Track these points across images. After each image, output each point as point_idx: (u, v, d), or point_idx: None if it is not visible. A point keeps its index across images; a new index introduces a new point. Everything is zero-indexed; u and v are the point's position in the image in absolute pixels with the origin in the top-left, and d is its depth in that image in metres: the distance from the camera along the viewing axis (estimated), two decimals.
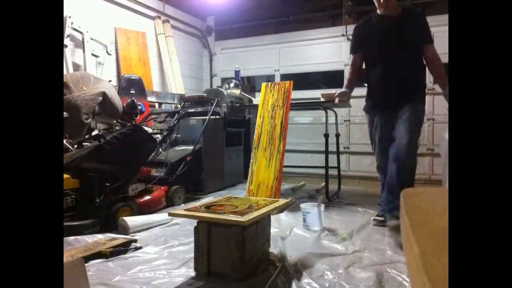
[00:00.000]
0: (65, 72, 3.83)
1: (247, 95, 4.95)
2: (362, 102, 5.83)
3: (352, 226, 2.69)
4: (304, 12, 6.06)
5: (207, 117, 3.78)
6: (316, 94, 4.87)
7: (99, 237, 2.34)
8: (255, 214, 1.79)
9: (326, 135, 3.62)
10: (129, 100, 3.54)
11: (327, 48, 5.82)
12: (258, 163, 3.37)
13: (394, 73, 2.61)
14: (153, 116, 3.95)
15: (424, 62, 2.67)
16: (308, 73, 6.04)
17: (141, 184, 3.12)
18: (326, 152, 3.63)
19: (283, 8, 6.16)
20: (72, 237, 2.26)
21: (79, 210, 2.46)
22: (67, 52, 3.98)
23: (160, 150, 3.58)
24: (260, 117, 3.62)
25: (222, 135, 4.44)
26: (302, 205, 2.71)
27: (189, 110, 4.09)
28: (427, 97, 5.06)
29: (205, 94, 4.50)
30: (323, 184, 3.93)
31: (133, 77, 4.45)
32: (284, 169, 3.53)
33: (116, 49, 4.72)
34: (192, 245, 1.88)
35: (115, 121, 3.35)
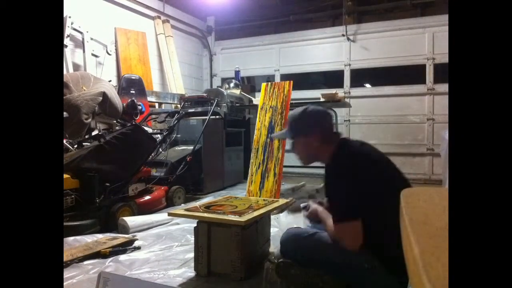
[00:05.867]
0: (65, 72, 3.83)
1: (247, 95, 4.96)
2: (362, 102, 5.81)
3: None
4: (304, 12, 6.06)
5: (207, 117, 3.78)
6: (316, 94, 4.87)
7: (99, 237, 2.33)
8: (255, 214, 1.79)
9: None
10: (129, 100, 3.54)
11: (327, 48, 5.82)
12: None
13: None
14: (153, 116, 3.95)
15: None
16: (308, 73, 6.04)
17: (141, 184, 3.12)
18: None
19: (283, 8, 6.16)
20: (71, 238, 2.26)
21: (79, 210, 2.46)
22: (67, 52, 3.98)
23: (160, 150, 3.58)
24: (259, 121, 3.63)
25: (222, 135, 4.43)
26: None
27: (189, 110, 4.09)
28: (427, 97, 5.16)
29: (205, 94, 4.50)
30: (323, 184, 3.92)
31: (133, 77, 4.45)
32: (284, 169, 3.53)
33: (116, 49, 4.71)
34: (192, 245, 1.88)
35: (115, 121, 3.35)
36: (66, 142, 2.86)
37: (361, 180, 1.42)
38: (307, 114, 1.61)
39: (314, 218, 1.80)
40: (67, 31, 3.94)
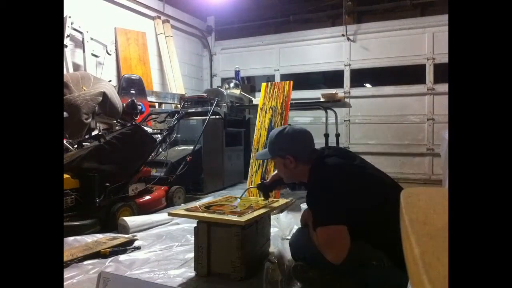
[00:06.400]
0: (65, 72, 3.83)
1: (247, 95, 4.96)
2: (363, 102, 5.82)
3: None
4: (304, 12, 6.06)
5: (207, 117, 3.78)
6: (316, 94, 4.87)
7: (99, 237, 2.33)
8: (255, 214, 1.79)
9: (326, 135, 3.62)
10: (129, 100, 3.53)
11: (327, 48, 5.82)
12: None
13: None
14: (153, 116, 3.95)
15: None
16: (308, 73, 6.05)
17: (141, 184, 3.12)
18: None
19: (283, 8, 6.16)
20: (71, 238, 2.26)
21: (79, 210, 2.46)
22: (67, 52, 3.98)
23: (160, 150, 3.57)
24: (259, 121, 3.63)
25: (222, 135, 4.43)
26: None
27: (189, 110, 4.09)
28: (427, 97, 5.16)
29: (205, 94, 4.50)
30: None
31: (133, 77, 4.45)
32: None
33: (116, 49, 4.71)
34: (192, 245, 1.88)
35: (115, 121, 3.35)
36: (66, 142, 2.86)
37: (343, 189, 1.44)
38: (283, 136, 1.68)
39: (304, 221, 1.82)
40: (67, 31, 3.94)
